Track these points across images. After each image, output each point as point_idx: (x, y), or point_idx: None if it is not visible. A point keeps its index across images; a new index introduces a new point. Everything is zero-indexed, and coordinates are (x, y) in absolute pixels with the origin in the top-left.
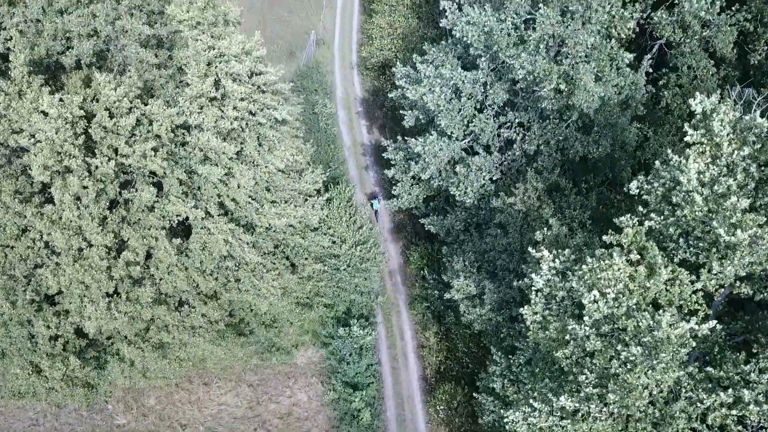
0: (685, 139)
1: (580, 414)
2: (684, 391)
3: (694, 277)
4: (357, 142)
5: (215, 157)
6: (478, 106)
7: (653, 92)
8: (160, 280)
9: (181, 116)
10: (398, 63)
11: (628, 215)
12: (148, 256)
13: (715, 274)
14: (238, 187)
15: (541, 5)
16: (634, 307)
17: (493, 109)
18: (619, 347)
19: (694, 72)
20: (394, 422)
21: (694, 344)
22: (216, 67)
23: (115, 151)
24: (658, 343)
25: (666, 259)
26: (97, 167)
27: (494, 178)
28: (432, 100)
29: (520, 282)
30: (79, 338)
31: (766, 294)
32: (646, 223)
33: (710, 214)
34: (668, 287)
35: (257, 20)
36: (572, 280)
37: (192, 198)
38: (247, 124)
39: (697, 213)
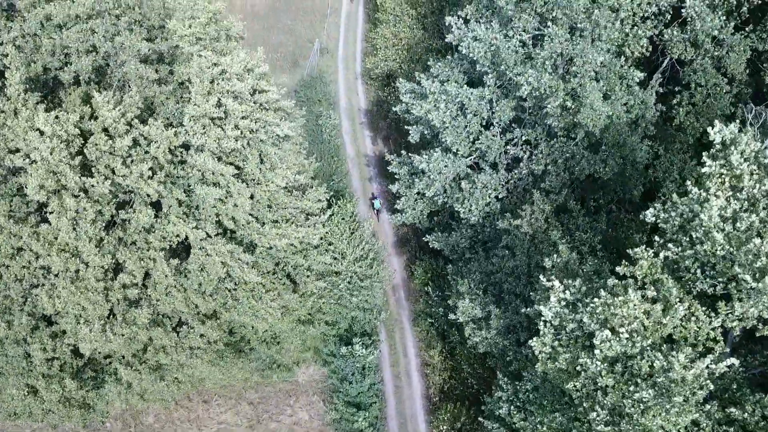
0: (703, 169)
1: None
2: None
3: (712, 313)
4: (361, 153)
5: (213, 177)
6: (484, 123)
7: (664, 111)
8: (158, 301)
9: (184, 136)
10: (402, 79)
11: (643, 247)
12: (146, 275)
13: (737, 315)
14: (236, 207)
15: (549, 23)
16: (648, 347)
17: (500, 126)
18: (631, 388)
19: (707, 90)
20: None
21: (712, 387)
22: (218, 84)
23: (112, 171)
24: (673, 384)
25: (682, 291)
26: (93, 186)
27: (500, 196)
28: (437, 117)
29: (528, 309)
30: (75, 358)
31: None
32: (662, 254)
33: (732, 252)
34: (684, 323)
35: (261, 28)
36: (583, 313)
37: (193, 218)
38: (248, 142)
39: (718, 251)
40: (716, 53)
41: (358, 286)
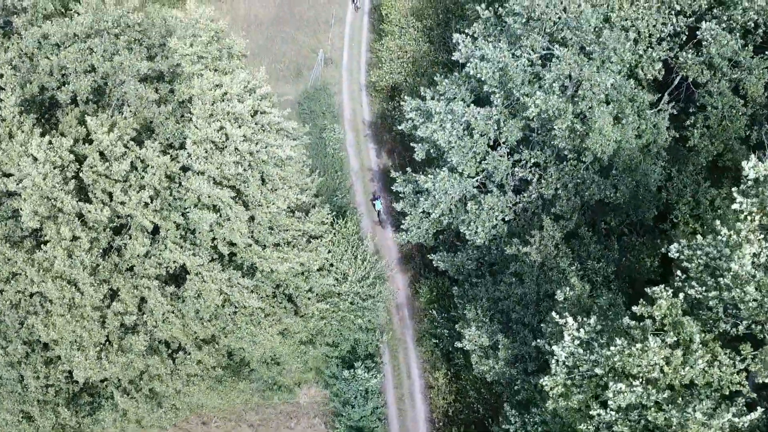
0: (733, 206)
1: None
2: None
3: (735, 356)
4: (365, 167)
5: (209, 200)
6: (491, 144)
7: (677, 131)
8: (154, 327)
9: (185, 159)
10: (408, 96)
11: (662, 286)
12: (143, 300)
13: (763, 359)
14: (233, 231)
15: (556, 46)
16: (664, 399)
17: (507, 146)
18: None
19: (722, 112)
20: None
21: None
22: (218, 106)
23: (110, 195)
24: None
25: (703, 333)
26: (90, 212)
27: (507, 219)
28: (443, 138)
29: (539, 342)
30: (71, 383)
31: None
32: (684, 292)
33: (764, 300)
34: (707, 369)
35: (264, 38)
36: (598, 355)
37: (190, 243)
38: (249, 164)
39: (748, 300)
40: (734, 76)
41: (360, 306)
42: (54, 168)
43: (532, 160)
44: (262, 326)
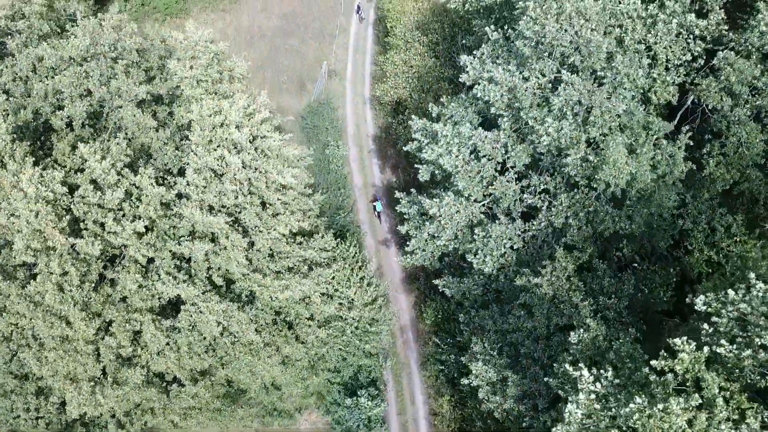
0: None
1: None
2: None
3: (764, 410)
4: (368, 183)
5: (204, 228)
6: (499, 168)
7: (691, 163)
8: (148, 361)
9: (184, 188)
10: (414, 116)
11: (684, 338)
12: (137, 332)
13: None
14: (230, 260)
15: (565, 72)
16: None
17: (515, 170)
18: None
19: (739, 139)
20: None
21: None
22: (217, 133)
23: (101, 226)
24: None
25: (728, 381)
26: (81, 246)
27: (515, 247)
28: (449, 162)
29: (550, 380)
30: (63, 413)
31: None
32: (709, 349)
33: None
34: (732, 428)
35: (268, 50)
36: (615, 409)
37: (185, 273)
38: (249, 191)
39: None
40: (756, 102)
41: (365, 331)
42: (47, 204)
43: (542, 186)
44: (261, 356)
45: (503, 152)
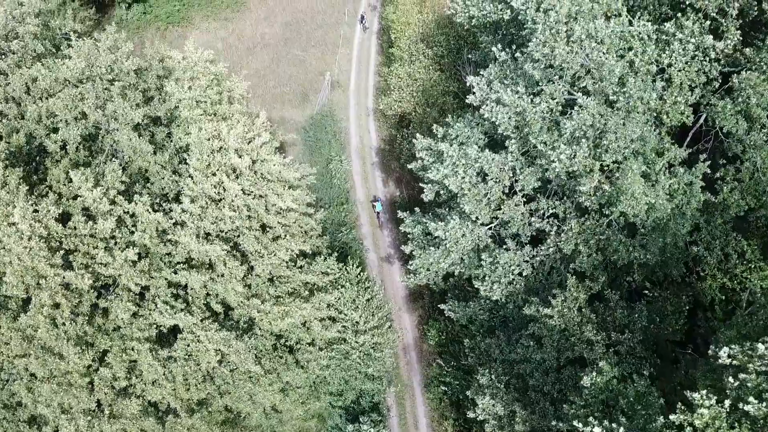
0: None
1: None
2: None
3: None
4: (372, 197)
5: (200, 255)
6: (506, 191)
7: (704, 186)
8: (143, 391)
9: (179, 216)
10: (418, 135)
11: (704, 392)
12: (133, 361)
13: None
14: (227, 289)
15: (579, 94)
16: None
17: (523, 193)
18: None
19: (755, 165)
20: None
21: None
22: (215, 158)
23: (92, 257)
24: None
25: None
26: (72, 279)
27: (524, 273)
28: (454, 183)
29: (560, 425)
30: None
31: None
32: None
33: None
34: None
35: (270, 59)
36: None
37: (182, 302)
38: (248, 216)
39: None
40: None
41: (367, 355)
42: (40, 240)
43: (550, 210)
44: (262, 384)
45: (511, 175)
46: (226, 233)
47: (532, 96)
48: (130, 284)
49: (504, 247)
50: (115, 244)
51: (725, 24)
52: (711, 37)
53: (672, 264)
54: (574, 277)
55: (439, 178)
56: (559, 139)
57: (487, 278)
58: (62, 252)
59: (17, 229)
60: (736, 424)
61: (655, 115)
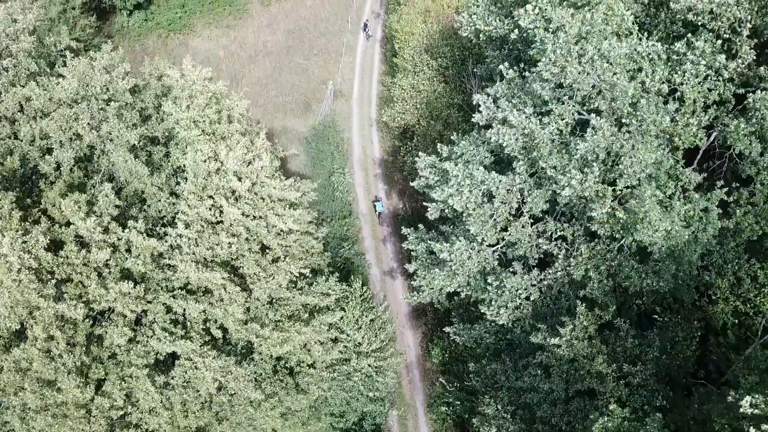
0: None
1: None
2: None
3: None
4: (374, 210)
5: (199, 282)
6: (513, 212)
7: (725, 223)
8: (140, 419)
9: (174, 239)
10: (421, 153)
11: None
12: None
13: None
14: (227, 314)
15: (592, 115)
16: None
17: (530, 214)
18: None
19: None
20: None
21: None
22: (213, 180)
23: (85, 288)
24: None
25: None
26: (64, 311)
27: (531, 298)
28: (459, 203)
29: None
30: None
31: None
32: None
33: None
34: None
35: (273, 68)
36: None
37: (181, 327)
38: (246, 239)
39: None
40: None
41: (369, 377)
42: (29, 272)
43: (559, 233)
44: (263, 409)
45: (519, 197)
46: (222, 256)
47: (540, 116)
48: (126, 311)
49: (511, 270)
50: (109, 272)
51: (738, 43)
52: (723, 56)
53: (683, 290)
54: (583, 305)
55: (443, 198)
56: (569, 163)
57: (493, 302)
58: (54, 281)
59: (6, 261)
60: None
61: (667, 137)
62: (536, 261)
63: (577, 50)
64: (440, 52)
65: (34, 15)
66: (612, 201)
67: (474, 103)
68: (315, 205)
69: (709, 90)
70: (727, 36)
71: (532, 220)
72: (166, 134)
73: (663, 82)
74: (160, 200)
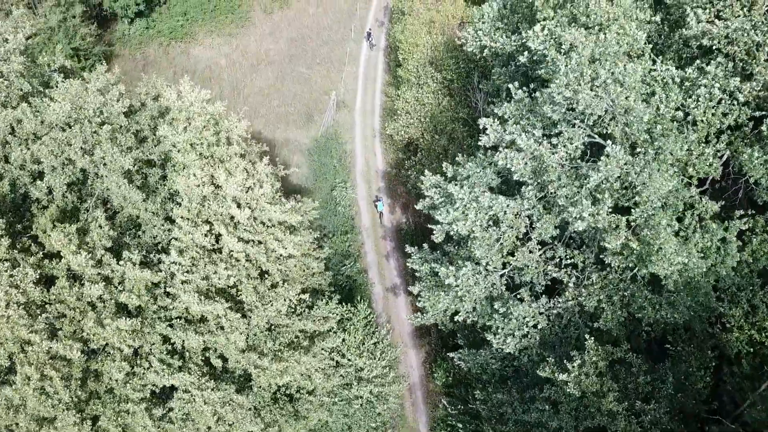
0: None
1: None
2: None
3: None
4: (377, 224)
5: (199, 311)
6: (521, 236)
7: (746, 261)
8: None
9: (169, 267)
10: (427, 171)
11: None
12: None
13: None
14: (228, 344)
15: (608, 143)
16: None
17: (538, 240)
18: None
19: None
20: None
21: None
22: (210, 206)
23: (79, 324)
24: None
25: None
26: (58, 351)
27: (539, 326)
28: (465, 228)
29: None
30: None
31: None
32: None
33: None
34: None
35: (275, 77)
36: None
37: (179, 358)
38: (244, 265)
39: None
40: None
41: (371, 405)
42: (18, 307)
43: (569, 260)
44: None
45: (527, 223)
46: (221, 285)
47: (549, 139)
48: (123, 347)
49: (518, 296)
50: (104, 306)
51: (754, 65)
52: (737, 79)
53: (696, 321)
54: (592, 339)
55: (448, 220)
56: (580, 191)
57: (500, 330)
58: (45, 316)
59: None
60: None
61: (682, 165)
62: (543, 287)
63: (590, 73)
64: (445, 65)
65: (25, 34)
66: (626, 231)
67: (481, 126)
68: (316, 220)
69: (724, 114)
70: (743, 59)
71: (540, 246)
72: (163, 156)
73: (677, 108)
74: (155, 226)
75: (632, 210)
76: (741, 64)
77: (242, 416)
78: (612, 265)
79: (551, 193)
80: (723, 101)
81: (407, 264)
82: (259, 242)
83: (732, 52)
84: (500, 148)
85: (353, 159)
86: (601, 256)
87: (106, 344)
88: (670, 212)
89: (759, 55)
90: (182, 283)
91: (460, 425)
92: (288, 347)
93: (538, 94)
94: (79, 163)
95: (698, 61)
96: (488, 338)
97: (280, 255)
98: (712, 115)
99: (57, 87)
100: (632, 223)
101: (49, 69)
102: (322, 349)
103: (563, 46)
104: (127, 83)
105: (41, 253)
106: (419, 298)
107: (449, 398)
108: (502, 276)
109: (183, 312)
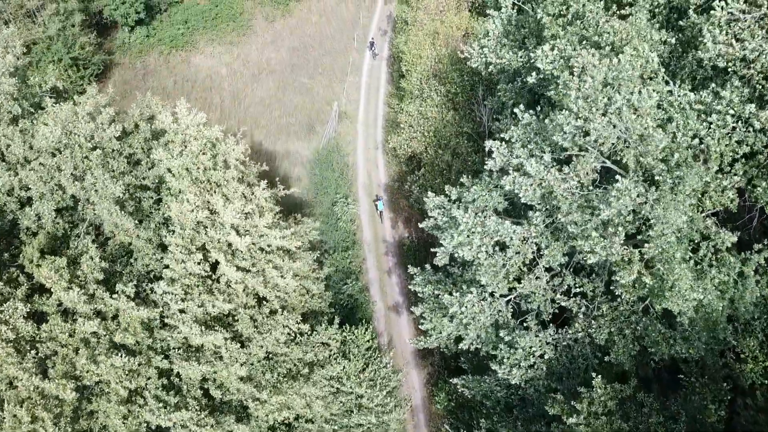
0: None
1: None
2: None
3: None
4: (379, 238)
5: (198, 341)
6: (528, 263)
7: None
8: None
9: (162, 297)
10: (430, 193)
11: None
12: None
13: None
14: (228, 375)
15: (621, 179)
16: None
17: (546, 267)
18: None
19: None
20: None
21: None
22: (207, 233)
23: (71, 363)
24: None
25: None
26: (51, 390)
27: (546, 356)
28: (469, 253)
29: None
30: None
31: None
32: None
33: None
34: None
35: (276, 87)
36: None
37: (175, 393)
38: (242, 294)
39: None
40: None
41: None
42: (7, 344)
43: (578, 288)
44: None
45: (534, 249)
46: (216, 315)
47: (559, 165)
48: (119, 388)
49: (524, 324)
50: (98, 342)
51: None
52: (753, 105)
53: (710, 354)
54: (599, 377)
55: (453, 244)
56: (591, 220)
57: (505, 361)
58: (35, 353)
59: None
60: None
61: (698, 197)
62: (550, 316)
63: (603, 100)
64: (449, 78)
65: (16, 54)
66: (640, 265)
67: (487, 149)
68: (317, 238)
69: (738, 143)
70: (760, 83)
71: (547, 272)
72: (157, 180)
73: (694, 137)
74: (147, 254)
75: (646, 243)
76: (759, 87)
77: None
78: (621, 297)
79: (560, 220)
80: (737, 129)
81: (410, 281)
82: (258, 271)
83: (748, 75)
84: (507, 170)
85: (355, 172)
86: (611, 287)
87: (100, 380)
88: (684, 245)
89: None
90: (180, 312)
91: None
92: (287, 377)
93: (547, 121)
94: (69, 190)
95: (713, 85)
96: (493, 368)
97: (277, 283)
98: (726, 146)
99: (47, 110)
100: (645, 255)
101: (40, 90)
102: (323, 377)
103: (575, 69)
104: (125, 93)
105: (29, 284)
106: (422, 320)
107: (452, 422)
108: (508, 302)
109: (182, 342)
